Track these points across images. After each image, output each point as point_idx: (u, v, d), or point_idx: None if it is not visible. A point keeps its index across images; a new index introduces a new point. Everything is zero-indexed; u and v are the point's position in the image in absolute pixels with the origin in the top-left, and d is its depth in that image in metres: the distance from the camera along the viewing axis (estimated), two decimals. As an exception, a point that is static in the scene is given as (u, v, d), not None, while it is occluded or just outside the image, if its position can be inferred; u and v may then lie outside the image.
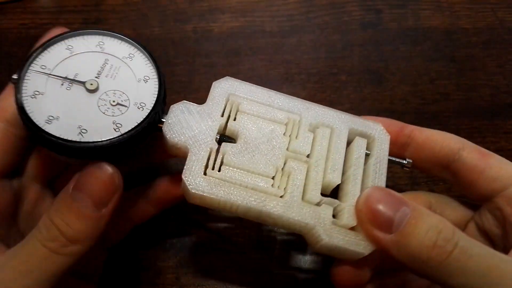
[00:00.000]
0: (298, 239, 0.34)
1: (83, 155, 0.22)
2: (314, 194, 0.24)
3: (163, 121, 0.25)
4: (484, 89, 0.38)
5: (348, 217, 0.24)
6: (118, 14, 0.41)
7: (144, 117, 0.24)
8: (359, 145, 0.26)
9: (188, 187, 0.23)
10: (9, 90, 0.24)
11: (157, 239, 0.33)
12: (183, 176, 0.23)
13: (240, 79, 0.26)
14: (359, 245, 0.23)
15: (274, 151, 0.25)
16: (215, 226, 0.34)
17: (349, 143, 0.26)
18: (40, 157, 0.26)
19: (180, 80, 0.38)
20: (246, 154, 0.25)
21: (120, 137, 0.23)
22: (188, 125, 0.25)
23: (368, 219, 0.22)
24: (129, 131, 0.23)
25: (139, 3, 0.41)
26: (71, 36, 0.26)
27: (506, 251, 0.23)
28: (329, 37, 0.40)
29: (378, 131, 0.26)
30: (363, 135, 0.26)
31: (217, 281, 0.33)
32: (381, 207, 0.22)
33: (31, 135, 0.22)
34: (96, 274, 0.30)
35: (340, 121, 0.26)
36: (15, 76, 0.23)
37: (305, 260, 0.33)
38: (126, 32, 0.40)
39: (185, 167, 0.24)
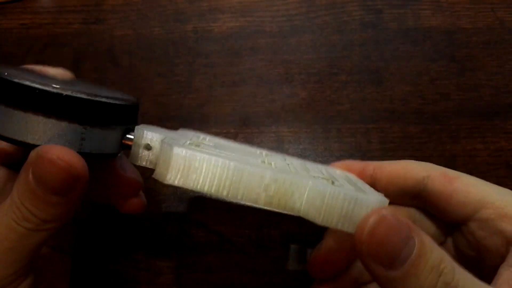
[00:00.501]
0: (298, 240, 0.34)
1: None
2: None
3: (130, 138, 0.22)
4: (484, 89, 0.38)
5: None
6: (118, 14, 0.41)
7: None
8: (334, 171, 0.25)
9: (171, 154, 0.19)
10: None
11: (157, 239, 0.33)
12: (161, 151, 0.20)
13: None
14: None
15: (250, 155, 0.24)
16: (215, 226, 0.34)
17: None
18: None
19: (180, 80, 0.38)
20: (226, 147, 0.23)
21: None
22: (159, 132, 0.23)
23: (370, 253, 0.19)
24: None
25: (139, 3, 0.41)
26: None
27: (482, 275, 0.22)
28: (329, 37, 0.40)
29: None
30: None
31: (217, 281, 0.33)
32: (388, 241, 0.19)
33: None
34: (71, 245, 0.30)
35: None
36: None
37: (305, 260, 0.33)
38: (126, 32, 0.40)
39: (161, 146, 0.21)
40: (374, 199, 0.20)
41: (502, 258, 0.22)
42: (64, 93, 0.19)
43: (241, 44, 0.40)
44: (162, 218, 0.34)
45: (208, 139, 0.25)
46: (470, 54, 0.39)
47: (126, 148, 0.23)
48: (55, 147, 0.20)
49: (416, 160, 0.36)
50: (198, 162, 0.19)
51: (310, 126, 0.37)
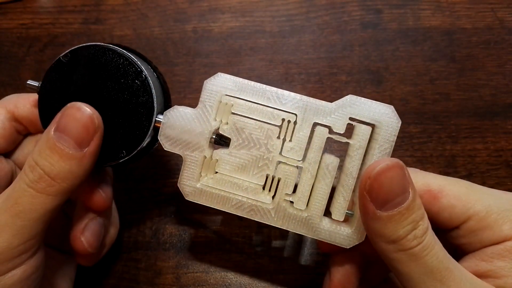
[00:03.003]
0: (298, 240, 0.34)
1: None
2: (301, 202, 0.25)
3: (158, 124, 0.25)
4: (484, 89, 0.38)
5: (338, 211, 0.25)
6: (118, 14, 0.41)
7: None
8: (361, 133, 0.24)
9: (185, 196, 0.25)
10: (28, 94, 0.27)
11: (157, 239, 0.33)
12: (178, 185, 0.25)
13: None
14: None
15: (266, 156, 0.25)
16: (215, 226, 0.34)
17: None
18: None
19: (180, 80, 0.38)
20: (239, 161, 0.25)
21: None
22: (181, 132, 0.25)
23: (371, 189, 0.22)
24: None
25: (139, 3, 0.41)
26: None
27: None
28: (329, 37, 0.40)
29: (388, 115, 0.24)
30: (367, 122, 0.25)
31: (217, 281, 0.33)
32: (390, 185, 0.22)
33: None
34: None
35: (336, 116, 0.24)
36: (31, 83, 0.25)
37: (305, 260, 0.33)
38: (126, 32, 0.40)
39: (180, 176, 0.25)
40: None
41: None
42: None
43: (241, 44, 0.40)
44: (162, 218, 0.34)
45: (233, 106, 0.25)
46: (470, 54, 0.39)
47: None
48: (81, 103, 0.23)
49: (417, 159, 0.36)
50: (206, 204, 0.25)
51: (310, 126, 0.37)
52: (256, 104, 0.25)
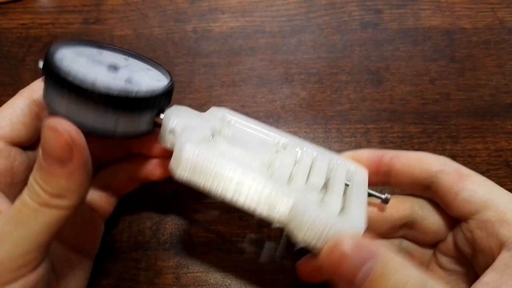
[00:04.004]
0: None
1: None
2: (300, 180, 0.24)
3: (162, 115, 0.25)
4: (484, 89, 0.38)
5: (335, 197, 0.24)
6: (118, 14, 0.41)
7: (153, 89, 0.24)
8: (340, 171, 0.25)
9: (181, 153, 0.22)
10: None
11: (157, 239, 0.33)
12: (175, 145, 0.23)
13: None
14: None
15: (264, 149, 0.25)
16: (215, 226, 0.34)
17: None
18: None
19: (180, 80, 0.38)
20: (239, 142, 0.25)
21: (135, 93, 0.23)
22: (184, 124, 0.24)
23: (334, 272, 0.20)
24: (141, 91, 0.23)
25: (139, 3, 0.41)
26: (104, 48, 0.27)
27: (474, 272, 0.23)
28: (329, 37, 0.40)
29: (359, 171, 0.26)
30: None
31: (217, 281, 0.33)
32: (346, 260, 0.20)
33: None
34: (93, 249, 0.31)
35: (322, 153, 0.26)
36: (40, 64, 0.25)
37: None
38: (126, 32, 0.40)
39: (178, 139, 0.23)
40: (349, 228, 0.21)
41: (493, 260, 0.23)
42: (98, 91, 0.22)
43: (241, 44, 0.40)
44: (162, 218, 0.34)
45: (233, 122, 0.27)
46: (470, 54, 0.39)
47: (158, 126, 0.25)
48: (57, 119, 0.22)
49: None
50: (205, 165, 0.22)
51: (310, 126, 0.37)
52: (254, 127, 0.27)
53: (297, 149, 0.26)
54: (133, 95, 0.23)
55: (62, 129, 0.22)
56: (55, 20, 0.41)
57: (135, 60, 0.27)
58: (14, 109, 0.26)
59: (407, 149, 0.36)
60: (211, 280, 0.33)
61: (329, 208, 0.22)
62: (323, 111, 0.38)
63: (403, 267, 0.20)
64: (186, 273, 0.33)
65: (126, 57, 0.27)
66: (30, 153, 0.28)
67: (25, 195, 0.22)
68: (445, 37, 0.39)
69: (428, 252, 0.28)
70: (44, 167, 0.22)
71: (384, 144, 0.36)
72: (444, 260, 0.26)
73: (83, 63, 0.24)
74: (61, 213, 0.22)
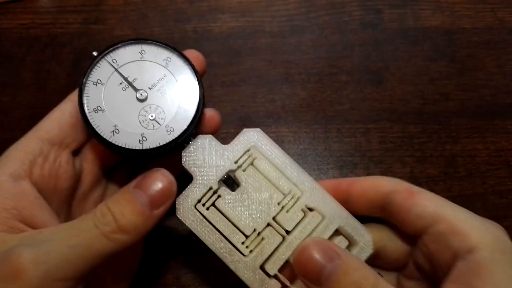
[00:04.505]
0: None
1: (111, 149, 0.26)
2: (273, 267, 0.26)
3: (189, 143, 0.27)
4: (484, 89, 0.38)
5: None
6: (118, 14, 0.41)
7: (167, 141, 0.26)
8: (339, 244, 0.26)
9: (177, 211, 0.26)
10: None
11: (157, 239, 0.33)
12: (176, 200, 0.26)
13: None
14: None
15: (261, 214, 0.26)
16: (215, 226, 0.34)
17: (332, 234, 0.27)
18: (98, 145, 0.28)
19: (180, 80, 0.38)
20: (237, 206, 0.26)
21: (141, 150, 0.25)
22: (203, 158, 0.27)
23: (303, 275, 0.23)
24: (149, 149, 0.25)
25: (139, 3, 0.41)
26: (147, 43, 0.27)
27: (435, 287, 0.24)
28: (329, 37, 0.40)
29: (365, 241, 0.26)
30: (349, 237, 0.27)
31: (217, 281, 0.33)
32: (313, 260, 0.23)
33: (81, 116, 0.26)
34: (132, 271, 0.31)
35: (336, 216, 0.27)
36: (95, 53, 0.26)
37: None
38: (126, 32, 0.40)
39: (182, 192, 0.26)
40: None
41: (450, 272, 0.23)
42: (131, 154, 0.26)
43: (241, 44, 0.40)
44: (163, 218, 0.34)
45: (254, 160, 0.27)
46: (470, 54, 0.39)
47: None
48: (161, 169, 0.25)
49: (417, 159, 0.36)
50: (190, 228, 0.26)
51: (310, 126, 0.37)
52: (275, 168, 0.27)
53: (298, 214, 0.26)
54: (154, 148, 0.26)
55: (169, 178, 0.25)
56: (55, 20, 0.41)
57: (176, 61, 0.27)
58: (62, 112, 0.26)
59: (407, 149, 0.36)
60: (211, 280, 0.33)
61: None
62: (323, 111, 0.38)
63: (363, 266, 0.23)
64: (186, 273, 0.33)
65: (169, 57, 0.27)
66: (77, 161, 0.28)
67: (89, 221, 0.23)
68: (445, 37, 0.39)
69: (394, 276, 0.29)
70: (132, 200, 0.23)
71: (384, 144, 0.36)
72: (409, 284, 0.27)
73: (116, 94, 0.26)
74: (117, 247, 0.23)
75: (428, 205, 0.25)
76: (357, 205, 0.27)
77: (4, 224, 0.23)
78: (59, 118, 0.26)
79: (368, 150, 0.36)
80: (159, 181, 0.25)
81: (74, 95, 0.27)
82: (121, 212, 0.23)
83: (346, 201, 0.27)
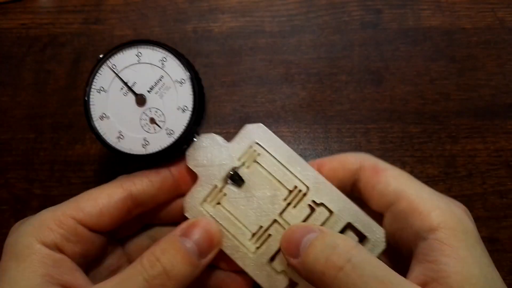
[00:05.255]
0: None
1: (117, 155, 0.26)
2: (280, 263, 0.26)
3: (193, 141, 0.27)
4: (484, 89, 0.38)
5: None
6: (118, 14, 0.41)
7: (168, 144, 0.26)
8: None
9: (184, 210, 0.27)
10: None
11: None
12: (184, 199, 0.27)
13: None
14: None
15: (267, 210, 0.26)
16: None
17: (341, 231, 0.26)
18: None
19: (180, 80, 0.38)
20: (242, 203, 0.27)
21: (144, 155, 0.26)
22: (207, 157, 0.27)
23: (285, 250, 0.25)
24: (152, 153, 0.26)
25: (139, 3, 0.41)
26: (142, 44, 0.27)
27: (399, 266, 0.23)
28: (329, 37, 0.40)
29: (376, 237, 0.26)
30: (359, 232, 0.26)
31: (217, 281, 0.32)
32: (295, 234, 0.24)
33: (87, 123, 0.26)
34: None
35: (344, 211, 0.26)
36: (101, 56, 0.26)
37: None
38: (126, 32, 0.40)
39: (189, 191, 0.27)
40: None
41: (414, 251, 0.23)
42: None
43: (241, 44, 0.40)
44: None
45: (257, 156, 0.27)
46: (470, 54, 0.39)
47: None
48: (205, 219, 0.26)
49: (417, 159, 0.36)
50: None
51: (310, 126, 0.37)
52: (279, 163, 0.27)
53: (305, 211, 0.26)
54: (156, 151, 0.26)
55: (216, 227, 0.25)
56: (55, 20, 0.41)
57: (171, 61, 0.27)
58: (109, 200, 0.25)
59: (407, 149, 0.36)
60: (211, 280, 0.32)
61: None
62: (323, 111, 0.38)
63: (338, 235, 0.24)
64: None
65: (164, 57, 0.27)
66: (101, 236, 0.27)
67: (139, 276, 0.22)
68: (445, 37, 0.39)
69: None
70: (182, 249, 0.23)
71: (384, 144, 0.36)
72: None
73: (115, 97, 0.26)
74: None
75: (391, 183, 0.25)
76: (332, 182, 0.27)
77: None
78: (102, 206, 0.25)
79: (368, 150, 0.36)
80: (207, 229, 0.25)
81: (127, 182, 0.26)
82: (171, 263, 0.23)
83: None
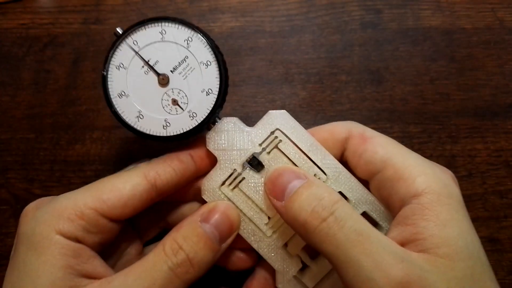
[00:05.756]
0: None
1: (136, 134, 0.26)
2: (295, 247, 0.26)
3: (213, 125, 0.27)
4: (484, 89, 0.38)
5: (310, 279, 0.26)
6: (118, 14, 0.41)
7: (191, 128, 0.25)
8: None
9: (202, 193, 0.27)
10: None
11: (157, 239, 0.33)
12: (202, 182, 0.27)
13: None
14: None
15: None
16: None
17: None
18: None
19: (180, 80, 0.38)
20: (261, 188, 0.27)
21: (165, 136, 0.25)
22: (227, 141, 0.27)
23: (268, 190, 0.25)
24: (172, 136, 0.25)
25: (139, 3, 0.41)
26: (167, 22, 0.25)
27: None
28: (329, 37, 0.40)
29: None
30: (374, 221, 0.27)
31: (217, 281, 0.32)
32: (282, 177, 0.24)
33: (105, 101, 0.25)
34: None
35: (361, 200, 0.26)
36: (119, 30, 0.25)
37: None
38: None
39: (208, 174, 0.27)
40: None
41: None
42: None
43: (241, 44, 0.40)
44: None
45: (279, 142, 0.27)
46: (470, 54, 0.39)
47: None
48: (226, 202, 0.26)
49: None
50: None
51: (310, 126, 0.37)
52: (300, 151, 0.27)
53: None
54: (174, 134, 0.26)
55: (236, 212, 0.25)
56: (55, 20, 0.41)
57: (197, 42, 0.26)
58: (134, 193, 0.25)
59: (407, 149, 0.36)
60: (211, 280, 0.32)
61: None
62: (323, 111, 0.38)
63: (324, 186, 0.23)
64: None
65: (190, 37, 0.26)
66: (120, 223, 0.26)
67: (163, 264, 0.23)
68: (445, 37, 0.39)
69: None
70: (205, 236, 0.24)
71: (384, 144, 0.36)
72: None
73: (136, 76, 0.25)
74: (186, 285, 0.23)
75: (378, 150, 0.25)
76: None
77: (69, 280, 0.22)
78: (127, 199, 0.24)
79: (368, 150, 0.36)
80: (227, 214, 0.25)
81: (151, 172, 0.25)
82: (194, 250, 0.23)
83: None
